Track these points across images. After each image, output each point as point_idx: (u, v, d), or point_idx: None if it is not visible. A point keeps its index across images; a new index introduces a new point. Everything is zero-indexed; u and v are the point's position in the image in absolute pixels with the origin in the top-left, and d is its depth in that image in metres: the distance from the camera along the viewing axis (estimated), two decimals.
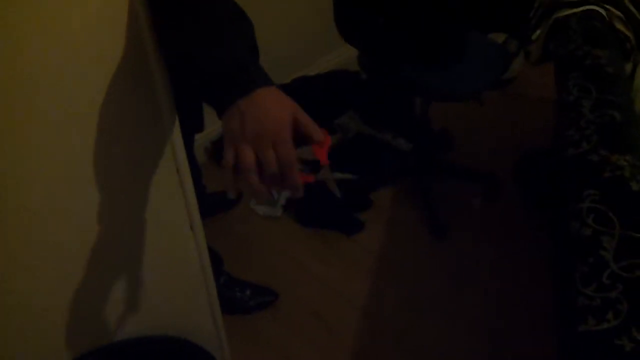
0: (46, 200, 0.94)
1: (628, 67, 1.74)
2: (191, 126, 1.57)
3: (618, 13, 1.56)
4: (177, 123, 1.02)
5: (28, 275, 1.00)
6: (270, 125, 0.77)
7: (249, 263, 2.06)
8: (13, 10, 0.76)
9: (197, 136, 1.76)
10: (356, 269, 2.06)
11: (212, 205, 2.21)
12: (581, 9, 1.54)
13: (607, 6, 1.54)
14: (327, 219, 2.23)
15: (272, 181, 0.80)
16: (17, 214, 0.92)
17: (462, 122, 2.59)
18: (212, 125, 2.56)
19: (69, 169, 0.95)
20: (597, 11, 1.53)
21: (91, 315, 1.16)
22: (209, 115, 2.52)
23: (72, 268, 1.07)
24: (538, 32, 1.61)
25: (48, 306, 1.07)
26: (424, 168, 2.37)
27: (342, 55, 2.83)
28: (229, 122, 0.78)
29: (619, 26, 1.55)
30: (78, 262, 1.07)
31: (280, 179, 0.79)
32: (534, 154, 2.35)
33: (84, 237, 1.05)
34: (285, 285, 1.99)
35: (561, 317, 0.94)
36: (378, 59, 1.96)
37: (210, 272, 1.30)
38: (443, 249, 2.12)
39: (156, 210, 1.12)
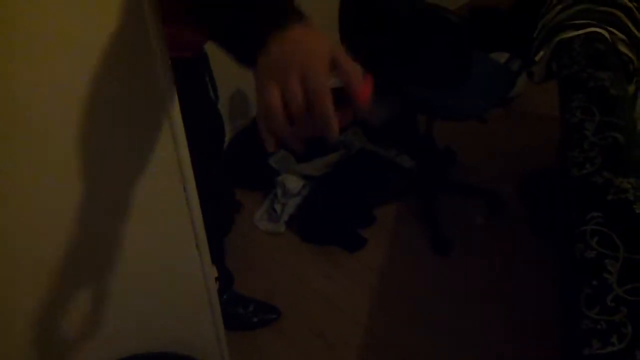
0: (44, 210, 0.95)
1: (631, 89, 1.76)
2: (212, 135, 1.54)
3: (621, 36, 1.58)
4: (184, 141, 1.03)
5: (30, 289, 1.01)
6: (300, 57, 0.64)
7: (251, 279, 2.06)
8: None
9: None
10: (359, 286, 2.06)
11: None
12: (585, 31, 1.56)
13: (611, 29, 1.56)
14: (330, 235, 2.24)
15: (304, 124, 0.67)
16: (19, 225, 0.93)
17: (465, 140, 2.60)
18: None
19: (71, 181, 0.96)
20: (601, 34, 1.55)
21: (93, 332, 1.16)
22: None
23: (73, 284, 1.07)
24: (541, 53, 1.62)
25: (48, 322, 1.08)
26: (428, 185, 2.38)
27: None
28: (258, 66, 0.67)
29: (622, 48, 1.56)
30: (80, 279, 1.08)
31: (312, 118, 0.65)
32: (538, 173, 2.35)
33: (87, 253, 1.06)
34: (288, 301, 1.99)
35: (566, 340, 0.94)
36: (383, 77, 1.97)
37: (215, 289, 1.31)
38: (446, 266, 2.12)
39: (162, 228, 1.12)
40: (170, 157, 1.04)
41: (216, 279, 1.69)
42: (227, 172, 1.70)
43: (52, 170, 0.91)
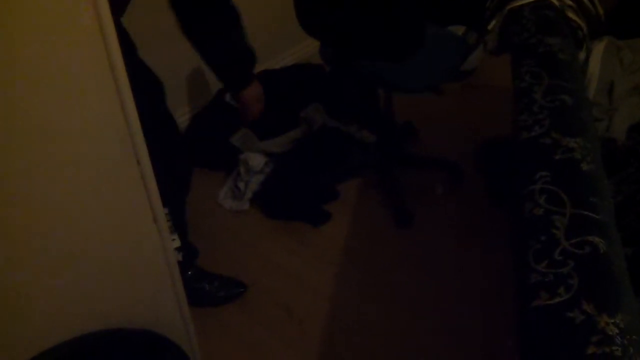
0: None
1: (581, 55, 1.80)
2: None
3: (570, 2, 1.61)
4: (135, 114, 1.02)
5: None
6: (256, 101, 1.74)
7: (217, 256, 2.07)
8: None
9: None
10: (323, 260, 2.08)
11: None
12: None
13: None
14: (293, 211, 2.25)
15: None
16: None
17: (425, 114, 2.63)
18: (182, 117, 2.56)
19: (26, 164, 0.95)
20: (550, 1, 1.58)
21: (55, 310, 1.15)
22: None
23: (33, 263, 1.07)
24: (493, 22, 1.65)
25: (9, 300, 1.07)
26: (389, 159, 2.40)
27: (306, 49, 2.85)
28: (239, 101, 1.73)
29: (571, 15, 1.60)
30: (40, 257, 1.07)
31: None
32: (494, 142, 2.40)
33: (45, 232, 1.05)
34: (253, 277, 2.00)
35: (517, 294, 0.97)
36: (339, 52, 1.98)
37: (176, 264, 1.31)
38: (409, 238, 2.15)
39: (117, 204, 1.12)
40: (122, 130, 1.03)
41: (178, 249, 1.70)
42: (177, 131, 1.77)
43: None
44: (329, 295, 1.96)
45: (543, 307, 0.87)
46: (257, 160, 2.34)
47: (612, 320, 0.81)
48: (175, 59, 2.34)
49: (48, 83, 0.91)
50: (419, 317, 1.86)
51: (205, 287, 1.87)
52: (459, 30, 2.72)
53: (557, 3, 1.55)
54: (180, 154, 1.77)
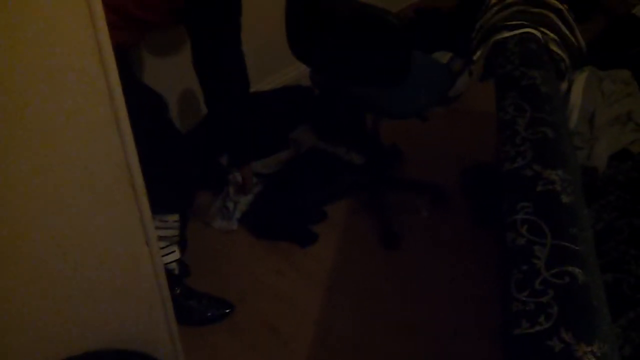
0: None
1: (564, 85, 1.86)
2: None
3: (553, 35, 1.67)
4: (132, 138, 1.05)
5: None
6: (249, 177, 2.06)
7: (204, 275, 2.08)
8: None
9: None
10: (311, 281, 2.10)
11: None
12: (519, 31, 1.64)
13: (543, 29, 1.65)
14: (282, 232, 2.27)
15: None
16: None
17: (412, 137, 2.67)
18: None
19: (21, 181, 0.97)
20: (533, 34, 1.63)
21: (45, 331, 1.17)
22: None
23: (26, 283, 1.08)
24: (479, 52, 1.70)
25: (2, 318, 1.08)
26: (376, 182, 2.43)
27: (295, 71, 2.89)
28: (240, 174, 2.10)
29: (554, 48, 1.65)
30: (33, 277, 1.09)
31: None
32: (479, 168, 2.44)
33: (39, 253, 1.07)
34: (241, 297, 2.01)
35: (502, 322, 1.01)
36: (328, 78, 2.02)
37: (167, 286, 1.33)
38: (396, 260, 2.18)
39: (111, 226, 1.14)
40: (118, 154, 1.06)
41: (177, 261, 1.73)
42: (183, 146, 1.90)
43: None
44: (316, 317, 1.98)
45: (524, 335, 0.90)
46: None
47: (590, 349, 0.85)
48: (165, 79, 2.37)
49: (43, 105, 0.93)
50: (408, 338, 1.88)
51: (194, 306, 1.89)
52: (445, 56, 2.78)
53: (540, 36, 1.61)
54: (185, 164, 1.81)
